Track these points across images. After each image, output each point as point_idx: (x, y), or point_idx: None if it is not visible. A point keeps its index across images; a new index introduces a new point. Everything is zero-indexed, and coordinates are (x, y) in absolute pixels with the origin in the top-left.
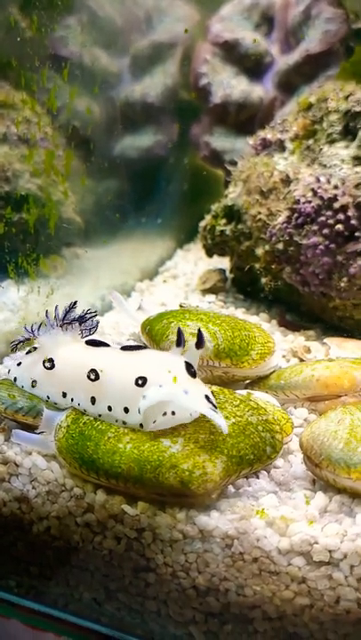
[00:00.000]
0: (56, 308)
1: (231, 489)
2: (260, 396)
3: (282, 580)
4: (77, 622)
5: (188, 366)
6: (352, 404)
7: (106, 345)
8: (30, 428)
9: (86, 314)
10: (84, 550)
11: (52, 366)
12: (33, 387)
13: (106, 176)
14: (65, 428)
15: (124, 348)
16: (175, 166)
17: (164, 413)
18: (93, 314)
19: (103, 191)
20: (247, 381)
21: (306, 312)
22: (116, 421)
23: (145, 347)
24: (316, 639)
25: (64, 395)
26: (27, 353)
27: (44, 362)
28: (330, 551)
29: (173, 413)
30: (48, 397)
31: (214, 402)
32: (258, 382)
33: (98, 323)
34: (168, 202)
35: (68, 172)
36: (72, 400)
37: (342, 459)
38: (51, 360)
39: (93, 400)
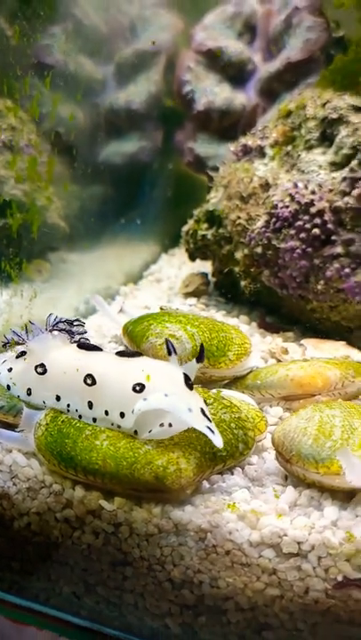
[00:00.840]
0: (50, 316)
1: (206, 484)
2: (235, 396)
3: (253, 572)
4: (58, 616)
5: (187, 378)
6: (323, 402)
7: (98, 349)
8: (10, 427)
9: (74, 321)
10: (63, 545)
11: (44, 371)
12: (29, 395)
13: (91, 182)
14: (44, 426)
15: (120, 354)
16: (160, 172)
17: (162, 424)
18: (82, 323)
19: (88, 197)
20: (225, 381)
21: (286, 314)
22: (112, 425)
23: (140, 354)
24: (287, 629)
25: (58, 398)
26: (17, 357)
27: (35, 367)
28: (298, 543)
29: (170, 425)
30: (44, 402)
31: (209, 416)
32: (235, 382)
33: (86, 331)
34: (152, 207)
35: (50, 178)
36: (68, 405)
37: (311, 454)
38: (42, 365)
39: (90, 404)
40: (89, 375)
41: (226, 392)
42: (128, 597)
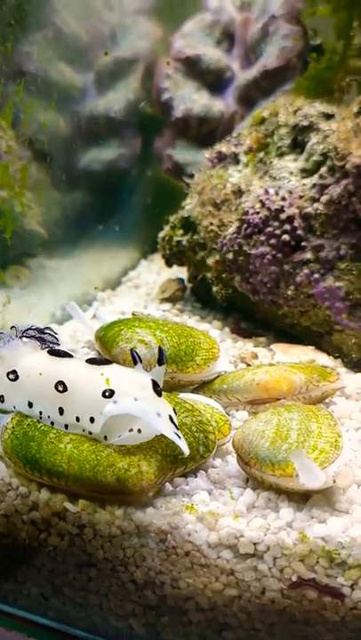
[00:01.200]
0: (13, 327)
1: (169, 487)
2: (200, 400)
3: (212, 573)
4: (26, 617)
5: (155, 384)
6: (283, 406)
7: (69, 355)
8: None
9: (45, 329)
10: (30, 547)
11: (16, 377)
12: (1, 402)
13: (71, 188)
14: (10, 429)
15: (90, 362)
16: (139, 179)
17: (131, 429)
18: (54, 332)
19: (68, 203)
20: (193, 386)
21: (260, 320)
22: (83, 431)
23: (111, 362)
24: (245, 629)
25: (30, 404)
26: None
27: (7, 374)
28: (254, 544)
29: (140, 431)
30: (14, 407)
31: (176, 422)
32: (203, 387)
33: (57, 339)
34: (132, 213)
35: (23, 184)
36: (40, 412)
37: (268, 457)
38: (14, 372)
39: (61, 411)
40: (60, 382)
41: (191, 396)
42: (93, 598)
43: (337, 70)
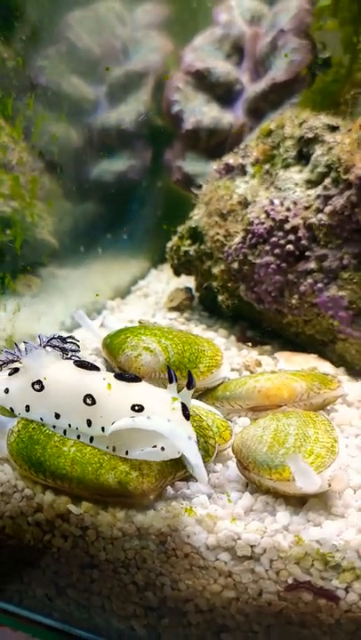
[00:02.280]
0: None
1: (170, 491)
2: (202, 406)
3: (210, 575)
4: (31, 617)
5: (184, 408)
6: (282, 412)
7: (97, 368)
8: None
9: (67, 338)
10: (35, 548)
11: (42, 388)
12: (27, 411)
13: (82, 199)
14: (16, 432)
15: (119, 377)
16: (149, 189)
17: (154, 446)
18: (76, 340)
19: (80, 213)
20: (197, 393)
21: (266, 329)
22: (108, 445)
23: (140, 379)
24: (243, 630)
25: (57, 416)
26: (9, 374)
27: (32, 384)
28: (251, 546)
29: (163, 449)
30: (41, 419)
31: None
32: (206, 393)
33: (79, 348)
34: (142, 224)
35: (33, 195)
36: (69, 425)
37: (265, 461)
38: (39, 382)
39: (89, 422)
40: (88, 395)
41: (193, 402)
42: (96, 599)
43: (343, 83)
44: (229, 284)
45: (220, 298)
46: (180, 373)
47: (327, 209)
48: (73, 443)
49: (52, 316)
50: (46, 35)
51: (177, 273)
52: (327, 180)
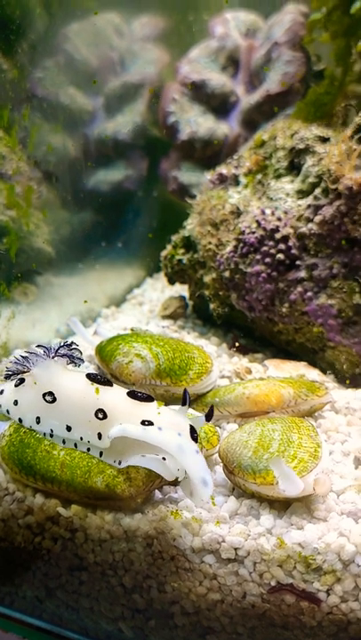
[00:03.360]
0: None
1: (158, 494)
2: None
3: (196, 577)
4: (22, 619)
5: (193, 430)
6: (268, 418)
7: (110, 384)
8: None
9: (71, 343)
10: (26, 551)
11: (54, 400)
12: (38, 423)
13: (79, 208)
14: (7, 436)
15: (131, 395)
16: (145, 199)
17: (157, 454)
18: (77, 346)
19: (77, 222)
20: None
21: (258, 337)
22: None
23: (153, 398)
24: (228, 632)
25: (69, 428)
26: (16, 385)
27: (44, 395)
28: (235, 549)
29: (164, 459)
30: (52, 430)
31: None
32: (196, 400)
33: (82, 358)
34: (138, 233)
35: (28, 204)
36: (81, 438)
37: (250, 465)
38: (51, 394)
39: (100, 436)
40: (100, 410)
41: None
42: (85, 601)
43: (336, 95)
44: (221, 293)
45: (211, 306)
46: (170, 380)
47: (317, 218)
48: (62, 447)
49: (46, 324)
50: (45, 46)
51: (171, 281)
52: (317, 191)
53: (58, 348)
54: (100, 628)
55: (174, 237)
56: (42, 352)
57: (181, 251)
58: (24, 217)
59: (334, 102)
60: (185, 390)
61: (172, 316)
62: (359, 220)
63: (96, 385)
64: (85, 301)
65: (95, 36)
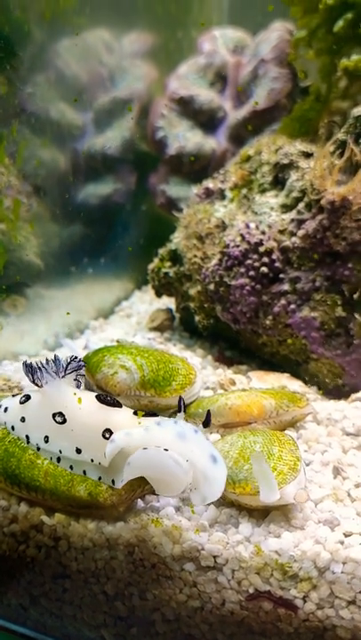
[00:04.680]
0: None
1: (141, 503)
2: None
3: (176, 585)
4: (7, 626)
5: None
6: (250, 430)
7: (119, 405)
8: None
9: (78, 360)
10: (10, 558)
11: (64, 421)
12: (46, 442)
13: (69, 221)
14: None
15: (137, 413)
16: (134, 213)
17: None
18: (80, 361)
19: (66, 235)
20: (171, 410)
21: (244, 349)
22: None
23: (155, 414)
24: (208, 639)
25: (78, 451)
26: (21, 402)
27: (54, 416)
28: (214, 557)
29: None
30: (60, 451)
31: None
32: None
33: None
34: (126, 246)
35: (16, 217)
36: (92, 460)
37: (230, 476)
38: (61, 414)
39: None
40: (107, 430)
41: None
42: (68, 609)
43: (320, 111)
44: (206, 305)
45: (197, 318)
46: (154, 391)
47: (300, 232)
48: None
49: (34, 336)
50: (35, 62)
51: (158, 294)
52: (301, 205)
53: (67, 366)
54: (83, 636)
55: (161, 250)
56: (52, 368)
57: (168, 264)
58: (13, 230)
59: (319, 118)
60: (180, 397)
61: (159, 328)
62: (341, 234)
63: (106, 406)
64: (68, 313)
65: (85, 52)
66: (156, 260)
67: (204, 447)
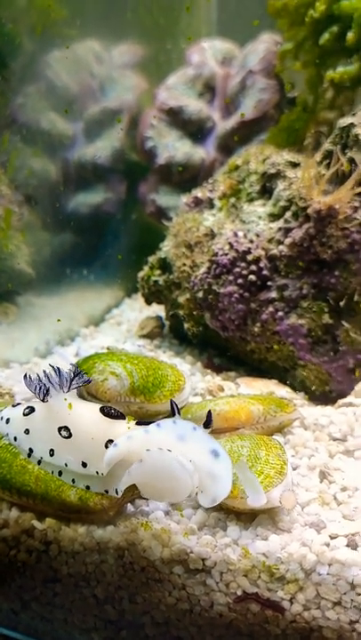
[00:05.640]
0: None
1: (131, 507)
2: None
3: (165, 588)
4: None
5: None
6: (237, 435)
7: (123, 417)
8: None
9: (78, 373)
10: (1, 563)
11: (70, 435)
12: (52, 456)
13: (60, 230)
14: None
15: (140, 424)
16: (124, 222)
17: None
18: (83, 374)
19: (58, 244)
20: (161, 416)
21: (232, 356)
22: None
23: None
24: None
25: (84, 465)
26: (25, 414)
27: (59, 429)
28: (203, 559)
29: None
30: (66, 465)
31: None
32: (169, 416)
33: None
34: (116, 254)
35: (8, 226)
36: (97, 472)
37: None
38: (67, 428)
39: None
40: (110, 441)
41: None
42: (58, 613)
43: (307, 122)
44: (195, 313)
45: (186, 326)
46: (143, 397)
47: (287, 241)
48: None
49: (25, 343)
50: (26, 73)
51: (148, 302)
52: (288, 214)
53: (72, 379)
54: (74, 639)
55: (151, 259)
56: (56, 381)
57: (158, 272)
58: (4, 239)
59: (306, 128)
60: (171, 401)
61: (149, 336)
62: (328, 243)
63: (110, 419)
64: (59, 320)
65: (76, 63)
66: (146, 268)
67: (204, 443)
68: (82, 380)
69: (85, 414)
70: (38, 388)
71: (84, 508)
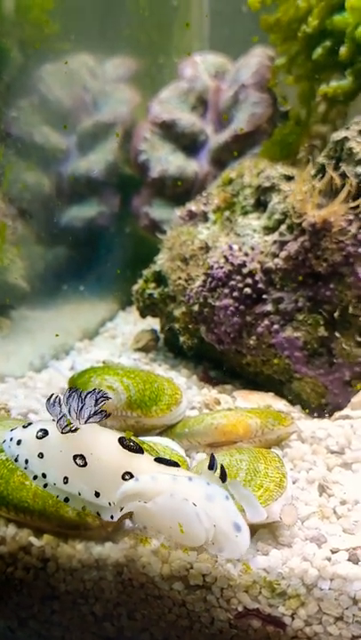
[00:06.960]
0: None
1: (129, 523)
2: (160, 442)
3: (165, 604)
4: None
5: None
6: (236, 448)
7: (141, 451)
8: None
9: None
10: None
11: (85, 464)
12: (65, 483)
13: (54, 244)
14: None
15: (159, 461)
16: (118, 235)
17: None
18: (105, 397)
19: (52, 258)
20: (158, 430)
21: (228, 369)
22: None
23: (178, 464)
24: None
25: (97, 494)
26: (38, 437)
27: (74, 457)
28: (203, 575)
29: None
30: (79, 493)
31: None
32: (166, 431)
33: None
34: (111, 267)
35: (2, 240)
36: (110, 503)
37: None
38: (82, 457)
39: None
40: (128, 473)
41: (150, 438)
42: (56, 631)
43: (300, 135)
44: (190, 326)
45: (181, 339)
46: (140, 411)
47: (282, 254)
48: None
49: (20, 357)
50: (19, 87)
51: (143, 315)
52: (283, 227)
53: (92, 414)
54: None
55: (145, 272)
56: (75, 407)
57: (152, 285)
58: (6, 252)
59: (299, 142)
60: (212, 455)
61: (144, 349)
62: (323, 256)
63: (128, 452)
64: (57, 335)
65: (69, 77)
66: (141, 282)
67: (229, 514)
68: (101, 415)
69: (103, 444)
70: (58, 417)
71: (82, 524)
